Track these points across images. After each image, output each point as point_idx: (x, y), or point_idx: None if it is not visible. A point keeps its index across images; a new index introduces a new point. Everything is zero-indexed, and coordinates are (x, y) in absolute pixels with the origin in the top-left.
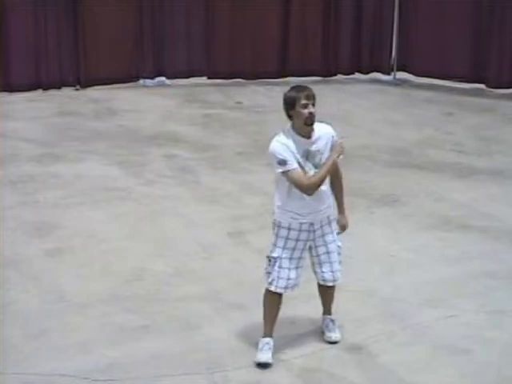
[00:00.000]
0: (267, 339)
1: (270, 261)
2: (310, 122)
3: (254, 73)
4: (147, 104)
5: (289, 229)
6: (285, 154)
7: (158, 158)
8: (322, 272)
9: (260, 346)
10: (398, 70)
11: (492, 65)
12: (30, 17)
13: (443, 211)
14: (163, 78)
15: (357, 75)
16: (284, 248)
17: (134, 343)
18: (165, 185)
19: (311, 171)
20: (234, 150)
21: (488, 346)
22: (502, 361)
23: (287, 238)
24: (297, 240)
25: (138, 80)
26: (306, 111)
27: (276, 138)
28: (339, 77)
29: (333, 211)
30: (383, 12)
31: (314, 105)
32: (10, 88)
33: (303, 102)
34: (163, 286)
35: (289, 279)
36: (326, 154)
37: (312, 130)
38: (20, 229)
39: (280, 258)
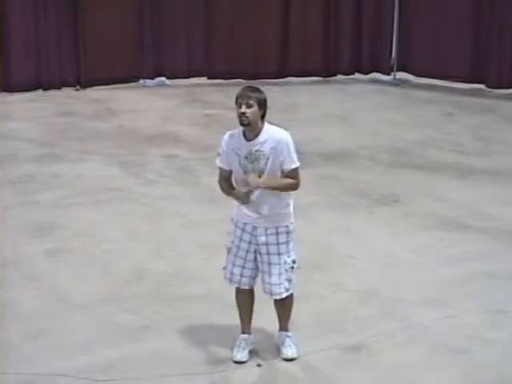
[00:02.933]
0: (244, 336)
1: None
2: (241, 121)
3: (254, 73)
4: (147, 104)
5: (235, 226)
6: (222, 151)
7: (157, 158)
8: (263, 282)
9: (237, 342)
10: (398, 70)
11: (492, 65)
12: (30, 17)
13: (443, 211)
14: (163, 78)
15: (357, 75)
16: (232, 242)
17: (133, 343)
18: (165, 185)
19: (250, 175)
20: None
21: (488, 346)
22: (502, 361)
23: (234, 235)
24: (240, 239)
25: (137, 80)
26: (238, 111)
27: (233, 130)
28: (339, 77)
29: (287, 224)
30: (383, 12)
31: (249, 106)
32: (10, 88)
33: (238, 101)
34: (163, 286)
35: (232, 273)
36: (272, 159)
37: (254, 132)
38: (20, 229)
39: (229, 249)
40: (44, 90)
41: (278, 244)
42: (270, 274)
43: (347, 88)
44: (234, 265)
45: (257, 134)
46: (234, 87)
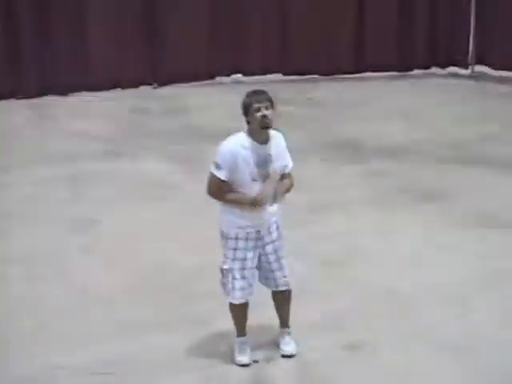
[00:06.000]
0: (243, 338)
1: (222, 273)
2: (265, 124)
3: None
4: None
5: (236, 239)
6: (225, 163)
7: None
8: (276, 279)
9: (237, 346)
10: (477, 63)
11: None
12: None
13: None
14: (239, 75)
15: (434, 69)
16: (234, 259)
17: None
18: None
19: (256, 186)
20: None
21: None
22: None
23: (236, 249)
24: (245, 249)
25: (214, 78)
26: (258, 114)
27: (234, 138)
28: (416, 71)
29: (278, 215)
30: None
31: (267, 108)
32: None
33: (255, 105)
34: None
35: (242, 290)
36: (274, 164)
37: (268, 135)
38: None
39: (232, 269)
40: (122, 88)
41: (281, 238)
42: (281, 268)
43: (422, 83)
44: (243, 279)
45: (268, 138)
46: (308, 83)
